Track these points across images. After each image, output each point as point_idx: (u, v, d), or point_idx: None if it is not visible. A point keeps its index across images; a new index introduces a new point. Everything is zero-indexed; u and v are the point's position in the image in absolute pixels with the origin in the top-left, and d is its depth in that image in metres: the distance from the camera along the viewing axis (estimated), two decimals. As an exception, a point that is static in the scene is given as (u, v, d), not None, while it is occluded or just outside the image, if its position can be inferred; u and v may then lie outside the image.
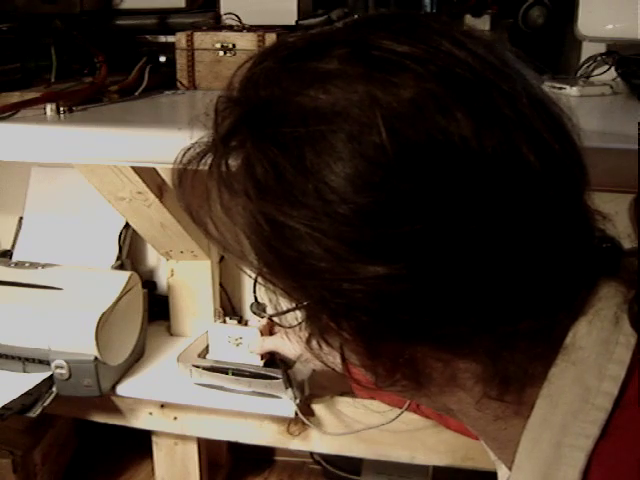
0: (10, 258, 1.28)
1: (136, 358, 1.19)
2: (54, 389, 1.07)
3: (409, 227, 0.39)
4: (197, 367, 1.10)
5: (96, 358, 1.05)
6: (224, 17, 1.10)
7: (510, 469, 0.50)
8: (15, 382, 1.07)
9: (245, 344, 1.04)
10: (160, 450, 1.28)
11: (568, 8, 1.03)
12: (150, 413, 1.18)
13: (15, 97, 0.90)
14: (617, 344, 0.44)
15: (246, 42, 1.02)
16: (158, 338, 1.27)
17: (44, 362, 1.08)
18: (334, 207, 0.40)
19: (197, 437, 1.24)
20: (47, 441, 1.30)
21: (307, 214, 0.40)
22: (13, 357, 1.09)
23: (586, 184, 0.45)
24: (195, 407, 1.13)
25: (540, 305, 0.43)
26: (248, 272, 0.46)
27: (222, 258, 1.33)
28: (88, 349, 1.05)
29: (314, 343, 0.46)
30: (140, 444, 1.33)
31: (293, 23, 1.08)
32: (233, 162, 0.43)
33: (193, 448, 1.26)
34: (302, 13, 1.10)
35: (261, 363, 1.05)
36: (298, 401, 1.04)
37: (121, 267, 1.25)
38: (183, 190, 0.48)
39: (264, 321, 1.00)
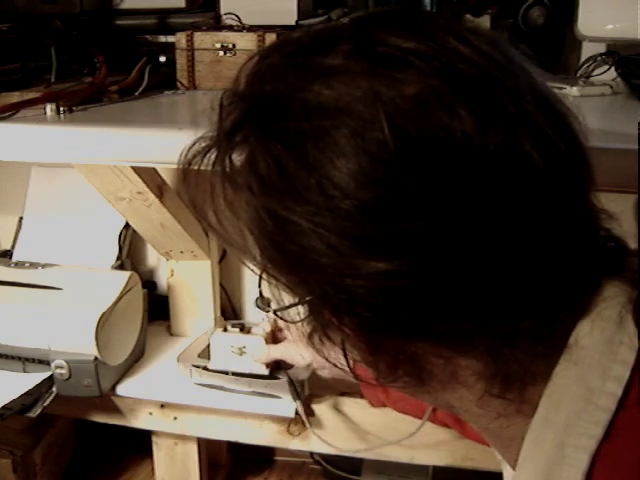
0: (10, 258, 1.28)
1: (136, 358, 1.19)
2: (54, 389, 1.07)
3: (411, 223, 0.39)
4: (197, 367, 1.10)
5: (96, 358, 1.05)
6: (224, 17, 1.10)
7: (513, 468, 0.50)
8: (15, 382, 1.07)
9: (249, 353, 1.03)
10: (160, 450, 1.28)
11: (568, 8, 1.03)
12: (150, 413, 1.18)
13: (15, 97, 0.90)
14: (621, 344, 0.44)
15: (246, 42, 1.02)
16: (158, 338, 1.27)
17: (44, 362, 1.08)
18: (336, 202, 0.40)
19: (197, 437, 1.24)
20: (47, 441, 1.30)
21: (310, 209, 0.40)
22: (13, 357, 1.09)
23: (591, 183, 0.45)
24: (195, 407, 1.13)
25: (542, 304, 0.43)
26: (251, 267, 0.46)
27: (222, 258, 1.33)
28: (88, 349, 1.05)
29: (316, 339, 0.47)
30: (140, 444, 1.33)
31: (293, 23, 1.08)
32: (237, 157, 0.44)
33: (193, 448, 1.26)
34: (302, 13, 1.10)
35: (266, 372, 1.03)
36: (298, 404, 1.03)
37: (121, 267, 1.25)
38: (187, 185, 0.48)
39: (268, 329, 0.99)
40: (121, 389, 1.14)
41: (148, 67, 1.03)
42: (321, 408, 1.10)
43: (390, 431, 1.08)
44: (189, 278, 1.26)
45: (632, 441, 0.42)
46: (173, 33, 1.06)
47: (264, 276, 0.46)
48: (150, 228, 1.15)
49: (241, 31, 1.04)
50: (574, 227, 0.43)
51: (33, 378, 1.07)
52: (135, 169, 1.00)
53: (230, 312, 1.37)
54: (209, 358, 1.12)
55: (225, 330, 1.07)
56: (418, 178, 0.39)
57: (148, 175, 1.04)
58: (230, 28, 1.06)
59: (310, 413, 1.10)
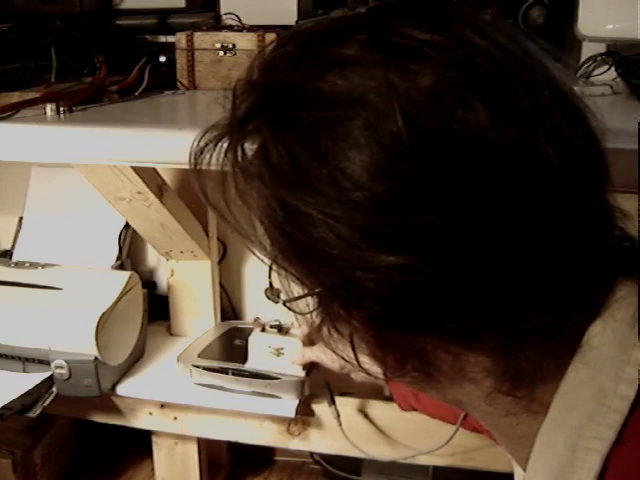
0: (10, 258, 1.28)
1: (136, 358, 1.19)
2: (54, 389, 1.07)
3: (423, 217, 0.39)
4: (197, 367, 1.10)
5: (96, 358, 1.05)
6: (224, 17, 1.10)
7: (523, 467, 0.49)
8: (15, 382, 1.07)
9: (287, 354, 1.02)
10: (160, 450, 1.28)
11: (568, 8, 1.03)
12: (150, 413, 1.18)
13: (15, 97, 0.90)
14: (634, 346, 0.43)
15: (246, 42, 1.02)
16: (158, 338, 1.27)
17: (44, 362, 1.08)
18: (348, 194, 0.40)
19: (197, 437, 1.24)
20: (47, 441, 1.30)
21: (321, 200, 0.40)
22: (13, 357, 1.09)
23: (607, 180, 0.44)
24: (195, 407, 1.13)
25: (553, 301, 0.43)
26: (261, 257, 0.46)
27: (222, 258, 1.33)
28: (88, 349, 1.05)
29: (325, 331, 0.46)
30: (140, 444, 1.33)
31: (293, 23, 1.08)
32: (249, 146, 0.43)
33: (193, 448, 1.26)
34: (302, 13, 1.10)
35: (303, 373, 1.03)
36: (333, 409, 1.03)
37: (121, 267, 1.25)
38: (199, 173, 0.48)
39: (305, 330, 0.98)
40: (121, 389, 1.13)
41: (148, 67, 1.03)
42: (321, 408, 1.10)
43: (390, 431, 1.08)
44: (189, 278, 1.26)
45: None
46: (173, 33, 1.06)
47: (274, 267, 0.46)
48: (150, 228, 1.15)
49: (241, 31, 1.04)
50: (588, 224, 0.43)
51: (33, 378, 1.07)
52: (135, 169, 1.00)
53: (230, 312, 1.37)
54: (209, 358, 1.12)
55: (263, 330, 1.07)
56: (431, 171, 0.39)
57: (148, 175, 1.04)
58: (230, 28, 1.06)
59: (310, 413, 1.10)
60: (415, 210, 0.39)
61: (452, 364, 0.46)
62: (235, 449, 1.42)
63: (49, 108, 0.88)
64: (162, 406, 1.16)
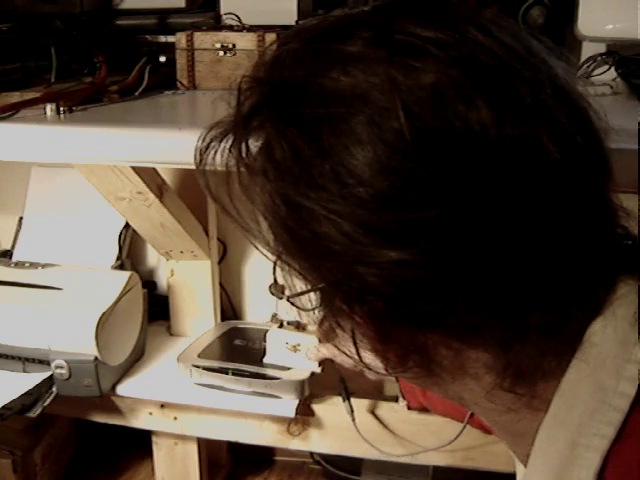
0: (10, 258, 1.28)
1: (136, 358, 1.19)
2: (54, 389, 1.07)
3: (425, 213, 0.39)
4: (197, 367, 1.10)
5: (96, 358, 1.05)
6: (224, 17, 1.10)
7: (524, 464, 0.49)
8: (15, 382, 1.07)
9: (303, 350, 1.04)
10: (160, 450, 1.28)
11: (568, 8, 1.03)
12: (150, 413, 1.18)
13: (15, 97, 0.90)
14: (635, 345, 0.43)
15: (246, 42, 1.02)
16: (158, 338, 1.27)
17: (44, 362, 1.08)
18: (350, 190, 0.40)
19: (197, 437, 1.24)
20: (47, 441, 1.30)
21: (324, 196, 0.40)
22: (13, 357, 1.09)
23: (609, 179, 0.44)
24: (195, 407, 1.13)
25: (554, 298, 0.43)
26: (264, 252, 0.46)
27: (222, 258, 1.33)
28: (88, 349, 1.05)
29: (327, 326, 0.47)
30: (140, 444, 1.33)
31: (293, 23, 1.08)
32: (253, 143, 0.44)
33: (193, 448, 1.26)
34: (302, 13, 1.09)
35: (319, 369, 1.04)
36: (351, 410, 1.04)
37: (121, 267, 1.25)
38: (203, 168, 0.48)
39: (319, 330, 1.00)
40: (121, 389, 1.14)
41: (148, 67, 1.03)
42: (321, 408, 1.10)
43: (390, 431, 1.08)
44: (189, 278, 1.26)
45: None
46: (173, 33, 1.06)
47: (277, 262, 0.46)
48: (150, 228, 1.15)
49: (241, 31, 1.04)
50: (589, 222, 0.43)
51: (33, 378, 1.07)
52: (135, 169, 1.00)
53: (230, 312, 1.37)
54: (209, 358, 1.13)
55: (281, 326, 1.08)
56: (433, 168, 0.39)
57: (148, 175, 1.04)
58: (230, 28, 1.06)
59: (310, 413, 1.10)
60: (417, 206, 0.39)
61: (453, 360, 0.46)
62: (235, 449, 1.42)
63: (49, 108, 0.88)
64: (162, 406, 1.16)
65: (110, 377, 1.11)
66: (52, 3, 1.06)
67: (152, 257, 1.37)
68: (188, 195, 1.17)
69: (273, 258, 0.47)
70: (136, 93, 1.01)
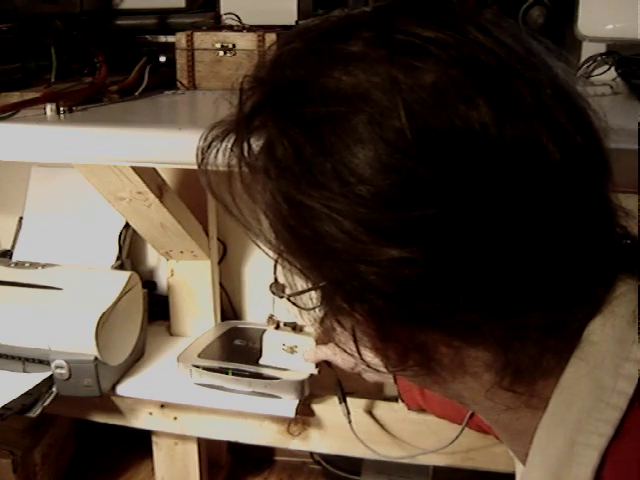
0: (10, 258, 1.28)
1: (136, 358, 1.19)
2: (54, 389, 1.07)
3: (425, 211, 0.39)
4: (197, 367, 1.10)
5: (96, 358, 1.05)
6: (224, 17, 1.10)
7: (523, 463, 0.50)
8: (15, 382, 1.07)
9: (300, 352, 1.04)
10: (160, 450, 1.28)
11: (568, 8, 1.03)
12: (150, 413, 1.18)
13: (15, 97, 0.90)
14: (634, 343, 0.43)
15: (246, 42, 1.02)
16: (158, 338, 1.27)
17: (44, 362, 1.08)
18: (351, 188, 0.40)
19: (197, 437, 1.24)
20: (47, 441, 1.30)
21: (325, 194, 0.41)
22: (13, 357, 1.09)
23: (609, 178, 0.45)
24: (195, 407, 1.13)
25: (553, 297, 0.43)
26: (266, 251, 0.47)
27: (222, 258, 1.33)
28: (88, 349, 1.05)
29: (327, 324, 0.47)
30: (140, 444, 1.33)
31: (293, 23, 1.08)
32: (255, 142, 0.44)
33: (193, 448, 1.26)
34: (302, 13, 1.10)
35: (316, 371, 1.04)
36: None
37: (121, 267, 1.25)
38: (205, 167, 0.48)
39: (319, 330, 1.00)
40: (121, 389, 1.14)
41: (148, 67, 1.03)
42: (321, 408, 1.10)
43: (390, 431, 1.08)
44: (189, 278, 1.26)
45: None
46: (173, 33, 1.06)
47: (279, 260, 0.46)
48: (150, 228, 1.15)
49: (241, 31, 1.04)
50: (589, 221, 0.43)
51: (33, 378, 1.07)
52: (135, 169, 1.00)
53: (230, 312, 1.37)
54: (209, 358, 1.12)
55: (278, 327, 1.08)
56: (434, 167, 0.39)
57: (148, 175, 1.04)
58: (230, 28, 1.06)
59: (310, 413, 1.10)
60: (417, 204, 0.40)
61: (453, 358, 0.46)
62: (235, 449, 1.42)
63: (49, 108, 0.88)
64: (162, 406, 1.16)
65: (110, 377, 1.11)
66: (52, 3, 1.06)
67: (152, 257, 1.37)
68: (188, 195, 1.17)
69: (274, 257, 0.47)
70: (136, 93, 1.00)
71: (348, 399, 1.06)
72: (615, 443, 0.42)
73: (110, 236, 1.26)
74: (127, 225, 1.24)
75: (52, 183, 1.30)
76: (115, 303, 1.09)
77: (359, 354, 0.47)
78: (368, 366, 0.49)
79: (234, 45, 1.02)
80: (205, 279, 1.25)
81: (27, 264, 1.19)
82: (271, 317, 1.09)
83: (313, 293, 0.46)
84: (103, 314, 1.06)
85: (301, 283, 0.46)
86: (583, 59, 1.07)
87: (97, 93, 0.97)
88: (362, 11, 0.45)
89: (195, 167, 0.48)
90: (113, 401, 1.17)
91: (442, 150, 0.39)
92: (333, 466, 1.35)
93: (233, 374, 1.07)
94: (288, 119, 0.42)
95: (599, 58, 1.05)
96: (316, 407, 1.10)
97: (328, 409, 1.10)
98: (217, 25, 1.10)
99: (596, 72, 1.05)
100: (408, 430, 1.07)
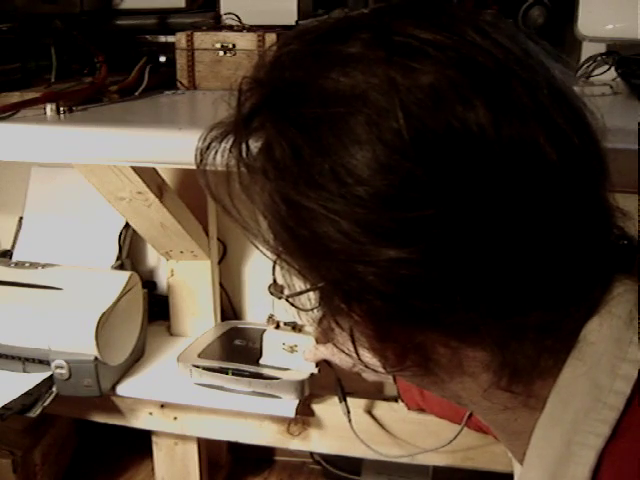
0: (10, 258, 1.28)
1: (136, 358, 1.19)
2: (54, 389, 1.07)
3: (422, 212, 0.40)
4: (197, 367, 1.10)
5: (96, 358, 1.05)
6: (224, 17, 1.10)
7: (520, 463, 0.50)
8: (15, 382, 1.07)
9: (300, 351, 1.05)
10: (160, 450, 1.28)
11: (568, 8, 1.03)
12: (150, 413, 1.18)
13: (15, 97, 0.90)
14: (630, 343, 0.43)
15: (246, 42, 1.02)
16: (158, 338, 1.27)
17: (44, 362, 1.08)
18: (349, 189, 0.40)
19: (197, 437, 1.24)
20: (47, 441, 1.30)
21: (323, 195, 0.41)
22: (13, 357, 1.09)
23: (606, 179, 0.45)
24: (195, 407, 1.13)
25: (550, 297, 0.43)
26: (264, 252, 0.47)
27: (222, 258, 1.33)
28: (88, 349, 1.05)
29: (325, 324, 0.47)
30: (140, 444, 1.33)
31: (293, 23, 1.08)
32: (254, 143, 0.44)
33: (193, 448, 1.26)
34: (302, 13, 1.10)
35: (316, 370, 1.05)
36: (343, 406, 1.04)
37: (121, 267, 1.25)
38: (204, 168, 0.48)
39: (317, 330, 1.00)
40: (121, 389, 1.14)
41: (148, 67, 1.03)
42: (321, 408, 1.10)
43: (390, 431, 1.08)
44: (189, 278, 1.26)
45: None
46: (173, 33, 1.06)
47: (277, 261, 0.46)
48: (150, 228, 1.15)
49: (241, 31, 1.04)
50: (586, 222, 0.43)
51: (33, 378, 1.07)
52: (135, 169, 1.00)
53: (230, 312, 1.37)
54: (209, 358, 1.12)
55: (278, 327, 1.09)
56: (431, 167, 0.39)
57: (148, 175, 1.04)
58: (230, 28, 1.06)
59: (310, 413, 1.10)
60: (415, 205, 0.40)
61: (451, 358, 0.46)
62: (235, 449, 1.42)
63: (49, 108, 0.88)
64: (162, 406, 1.16)
65: (110, 377, 1.11)
66: (52, 3, 1.06)
67: (152, 257, 1.37)
68: (188, 195, 1.17)
69: (273, 257, 0.47)
70: (136, 93, 1.01)
71: (348, 399, 1.06)
72: (612, 443, 0.42)
73: (110, 236, 1.26)
74: (127, 225, 1.24)
75: (52, 183, 1.30)
76: (115, 303, 1.09)
77: (357, 354, 0.47)
78: (366, 366, 0.49)
79: (234, 45, 1.02)
80: (205, 279, 1.25)
81: (27, 264, 1.19)
82: (271, 317, 1.10)
83: (311, 294, 0.46)
84: (103, 314, 1.06)
85: (299, 284, 0.46)
86: (583, 59, 1.07)
87: (97, 93, 0.97)
88: (360, 13, 0.46)
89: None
90: (113, 401, 1.17)
91: (439, 151, 0.39)
92: (333, 466, 1.36)
93: (233, 374, 1.07)
94: (286, 120, 0.42)
95: (599, 58, 1.05)
96: (316, 407, 1.10)
97: (328, 409, 1.10)
98: (217, 25, 1.10)
99: (596, 72, 1.05)
100: (408, 430, 1.07)
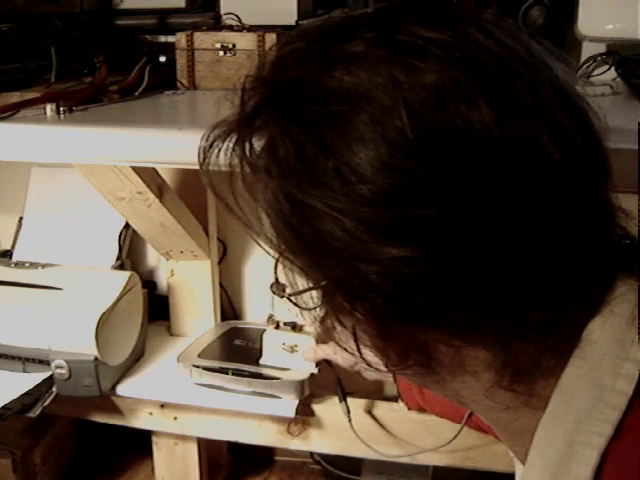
0: (10, 258, 1.28)
1: (136, 358, 1.19)
2: (54, 389, 1.07)
3: (425, 210, 0.40)
4: (197, 367, 1.10)
5: (96, 358, 1.05)
6: (224, 17, 1.10)
7: (522, 462, 0.50)
8: (15, 382, 1.07)
9: (300, 351, 1.05)
10: (160, 450, 1.28)
11: (568, 8, 1.03)
12: (150, 413, 1.18)
13: (15, 97, 0.90)
14: (633, 343, 0.44)
15: (246, 42, 1.02)
16: (158, 338, 1.27)
17: (44, 362, 1.08)
18: (353, 187, 0.40)
19: (197, 437, 1.24)
20: (47, 441, 1.30)
21: (326, 193, 0.41)
22: (13, 357, 1.09)
23: (608, 179, 0.45)
24: (195, 407, 1.13)
25: (552, 297, 0.43)
26: (267, 250, 0.47)
27: (222, 258, 1.33)
28: (88, 349, 1.05)
29: (328, 323, 0.47)
30: (140, 444, 1.33)
31: (293, 23, 1.08)
32: (257, 141, 0.44)
33: (193, 448, 1.26)
34: (302, 13, 1.10)
35: (316, 370, 1.05)
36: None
37: (121, 267, 1.25)
38: (207, 167, 0.48)
39: (319, 329, 1.00)
40: (121, 389, 1.14)
41: (148, 67, 1.03)
42: (321, 408, 1.10)
43: (391, 431, 1.08)
44: (189, 278, 1.26)
45: None
46: (173, 33, 1.06)
47: (279, 259, 0.46)
48: (150, 228, 1.15)
49: (241, 31, 1.04)
50: (588, 221, 0.43)
51: (33, 378, 1.07)
52: (135, 169, 1.00)
53: (230, 312, 1.37)
54: (209, 358, 1.12)
55: (277, 327, 1.08)
56: (434, 166, 0.39)
57: (148, 175, 1.04)
58: (230, 28, 1.06)
59: (310, 413, 1.10)
60: (418, 203, 0.40)
61: (453, 357, 0.46)
62: (235, 449, 1.42)
63: (49, 108, 0.88)
64: (162, 406, 1.16)
65: (110, 377, 1.11)
66: (52, 3, 1.06)
67: (152, 257, 1.37)
68: (188, 195, 1.17)
69: (275, 256, 0.47)
70: (136, 93, 1.00)
71: (348, 399, 1.06)
72: (615, 443, 0.42)
73: (110, 236, 1.26)
74: (127, 225, 1.24)
75: (52, 183, 1.30)
76: (115, 303, 1.09)
77: (359, 353, 0.47)
78: (368, 365, 0.49)
79: (234, 45, 1.02)
80: (205, 279, 1.25)
81: (27, 264, 1.19)
82: (271, 317, 1.10)
83: (314, 292, 0.46)
84: (103, 314, 1.06)
85: (302, 282, 0.46)
86: (583, 59, 1.07)
87: (97, 93, 0.97)
88: (364, 12, 0.46)
89: (195, 167, 0.48)
90: (113, 401, 1.17)
91: (443, 150, 0.39)
92: (333, 466, 1.36)
93: (233, 374, 1.07)
94: (290, 118, 0.42)
95: (599, 58, 1.05)
96: (316, 407, 1.10)
97: (328, 409, 1.10)
98: (217, 25, 1.10)
99: (596, 72, 1.05)
100: (408, 430, 1.07)
